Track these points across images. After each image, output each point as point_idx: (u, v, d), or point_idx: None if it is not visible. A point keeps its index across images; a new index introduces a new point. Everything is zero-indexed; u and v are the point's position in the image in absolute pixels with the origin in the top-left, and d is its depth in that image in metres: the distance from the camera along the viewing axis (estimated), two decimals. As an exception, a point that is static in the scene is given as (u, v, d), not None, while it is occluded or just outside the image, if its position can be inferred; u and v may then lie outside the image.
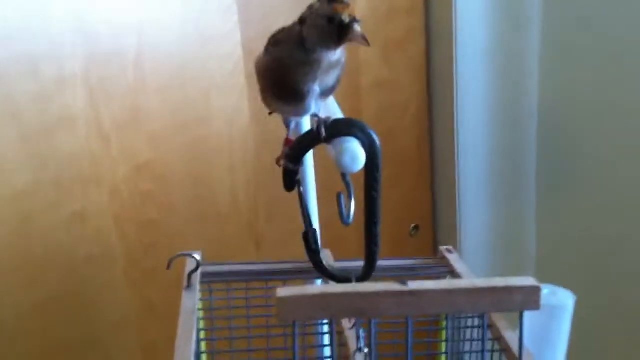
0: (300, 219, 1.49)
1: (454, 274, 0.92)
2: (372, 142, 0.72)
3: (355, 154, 0.70)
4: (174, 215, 1.44)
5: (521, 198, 1.62)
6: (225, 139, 1.45)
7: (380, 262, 0.91)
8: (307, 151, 0.74)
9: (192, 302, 0.84)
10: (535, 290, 0.54)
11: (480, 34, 1.51)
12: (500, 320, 0.80)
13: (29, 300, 1.32)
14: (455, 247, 1.65)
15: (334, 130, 0.71)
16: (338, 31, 0.70)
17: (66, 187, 1.32)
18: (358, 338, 0.74)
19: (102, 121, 1.33)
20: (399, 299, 0.54)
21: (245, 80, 1.43)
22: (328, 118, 0.73)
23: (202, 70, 1.39)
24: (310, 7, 0.72)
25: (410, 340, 0.57)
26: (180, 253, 0.86)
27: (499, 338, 0.78)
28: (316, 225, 0.90)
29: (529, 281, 0.55)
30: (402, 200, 1.70)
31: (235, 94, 1.44)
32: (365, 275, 0.78)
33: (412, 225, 1.73)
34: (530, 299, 0.54)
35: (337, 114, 0.81)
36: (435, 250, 1.80)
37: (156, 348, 1.46)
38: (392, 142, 1.64)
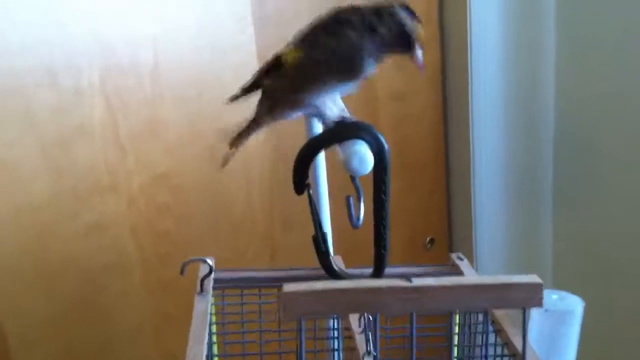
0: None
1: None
2: (380, 144, 0.73)
3: (363, 156, 0.72)
4: (189, 225, 1.46)
5: (537, 209, 1.62)
6: (241, 149, 1.46)
7: (390, 269, 0.92)
8: (315, 155, 0.75)
9: (204, 306, 0.86)
10: (537, 288, 0.55)
11: (495, 43, 1.52)
12: (510, 327, 0.81)
13: (46, 309, 1.34)
14: (471, 259, 1.66)
15: (342, 133, 0.73)
16: (405, 47, 0.75)
17: (83, 197, 1.34)
18: (367, 341, 0.75)
19: (118, 132, 1.35)
20: (403, 295, 0.55)
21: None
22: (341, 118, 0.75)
23: (217, 80, 1.41)
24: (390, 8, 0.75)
25: (413, 335, 0.58)
26: (193, 258, 0.88)
27: (507, 342, 0.79)
28: (327, 229, 0.91)
29: (531, 278, 0.56)
30: (418, 211, 1.71)
31: (250, 106, 1.45)
32: (374, 278, 0.79)
33: (428, 238, 1.73)
34: (532, 296, 0.55)
35: (345, 110, 0.83)
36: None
37: (172, 358, 1.48)
38: (408, 152, 1.65)
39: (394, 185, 1.65)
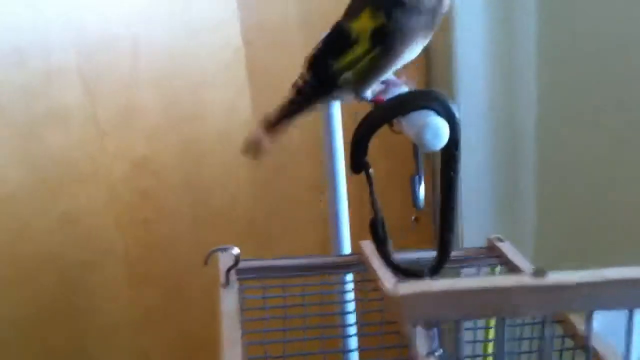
0: (299, 216, 1.39)
1: (508, 265, 0.82)
2: (452, 116, 0.61)
3: (437, 129, 0.59)
4: (172, 213, 1.33)
5: (521, 180, 1.53)
6: (222, 135, 1.32)
7: (424, 254, 0.81)
8: (378, 128, 0.62)
9: (232, 301, 0.73)
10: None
11: (477, 52, 1.42)
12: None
13: (20, 308, 1.21)
14: (456, 237, 1.56)
15: (410, 103, 0.60)
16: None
17: (59, 186, 1.19)
18: (432, 338, 0.63)
19: (97, 116, 1.20)
20: (538, 294, 0.43)
21: (245, 73, 1.30)
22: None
23: (198, 62, 1.28)
24: None
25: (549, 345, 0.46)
26: (217, 247, 0.75)
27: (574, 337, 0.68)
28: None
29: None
30: (403, 194, 1.59)
31: (233, 88, 1.31)
32: (439, 265, 0.67)
33: (413, 217, 1.62)
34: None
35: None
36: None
37: (148, 355, 1.34)
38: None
39: (381, 168, 1.56)
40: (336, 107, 0.88)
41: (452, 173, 0.61)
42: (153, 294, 1.30)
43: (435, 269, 0.66)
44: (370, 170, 0.64)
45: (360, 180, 0.67)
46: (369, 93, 0.69)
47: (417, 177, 0.65)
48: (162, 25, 1.23)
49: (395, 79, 0.71)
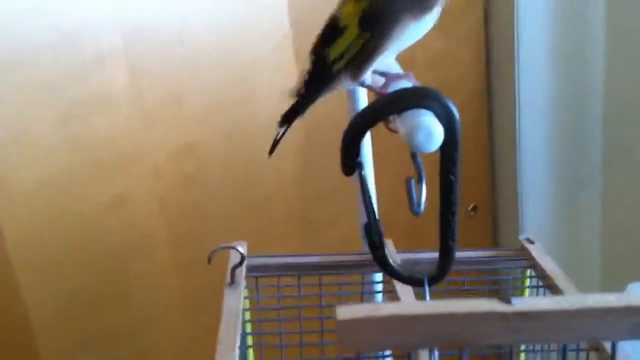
0: (350, 204, 1.35)
1: (535, 269, 0.76)
2: (451, 115, 0.55)
3: (430, 130, 0.54)
4: (218, 198, 1.31)
5: (585, 177, 1.44)
6: (271, 120, 1.28)
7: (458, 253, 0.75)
8: (370, 127, 0.58)
9: (236, 301, 0.70)
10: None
11: (541, 50, 1.34)
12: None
13: (68, 292, 1.20)
14: (515, 229, 1.48)
15: (403, 101, 0.55)
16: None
17: (106, 170, 1.18)
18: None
19: (143, 100, 1.19)
20: (505, 322, 0.38)
21: (294, 57, 1.27)
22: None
23: (246, 46, 1.25)
24: None
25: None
26: (223, 245, 0.72)
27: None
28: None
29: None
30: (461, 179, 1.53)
31: (281, 72, 1.27)
32: (440, 274, 0.61)
33: (471, 205, 1.55)
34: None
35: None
36: (494, 233, 1.65)
37: (195, 340, 1.32)
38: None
39: (433, 155, 1.50)
40: (362, 93, 0.83)
41: (450, 176, 0.56)
42: (199, 279, 1.29)
43: (436, 279, 0.61)
44: (363, 172, 0.59)
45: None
46: (368, 80, 0.64)
47: (412, 179, 0.60)
48: (210, 9, 1.21)
49: (396, 73, 0.66)
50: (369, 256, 0.79)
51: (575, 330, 0.38)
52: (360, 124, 0.56)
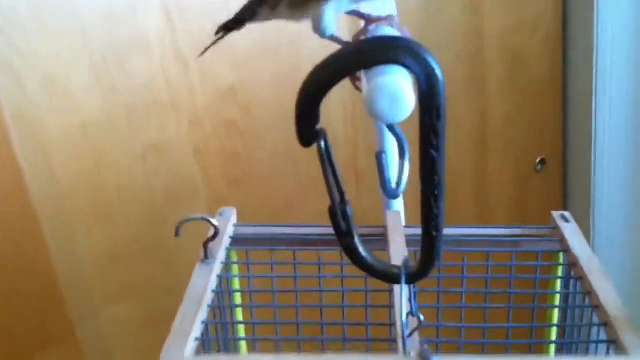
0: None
1: (567, 253, 0.62)
2: (430, 73, 0.40)
3: (395, 92, 0.40)
4: (260, 147, 1.20)
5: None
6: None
7: (474, 230, 0.63)
8: (330, 87, 0.44)
9: (204, 279, 0.60)
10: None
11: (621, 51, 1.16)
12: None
13: (103, 243, 1.15)
14: (587, 187, 1.31)
15: (367, 53, 0.42)
16: None
17: (140, 116, 1.10)
18: (411, 298, 0.47)
19: (179, 43, 1.09)
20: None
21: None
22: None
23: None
24: None
25: None
26: (191, 216, 0.61)
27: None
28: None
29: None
30: (528, 130, 1.36)
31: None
32: (421, 271, 0.48)
33: (539, 158, 1.39)
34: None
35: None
36: (564, 190, 1.48)
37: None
38: (519, 66, 1.30)
39: (500, 104, 1.33)
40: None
41: (432, 151, 0.42)
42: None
43: (417, 276, 0.48)
44: (322, 143, 0.45)
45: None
46: (329, 29, 0.51)
47: (382, 154, 0.47)
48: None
49: (376, 16, 0.51)
50: (374, 229, 0.68)
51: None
52: (319, 81, 0.43)
